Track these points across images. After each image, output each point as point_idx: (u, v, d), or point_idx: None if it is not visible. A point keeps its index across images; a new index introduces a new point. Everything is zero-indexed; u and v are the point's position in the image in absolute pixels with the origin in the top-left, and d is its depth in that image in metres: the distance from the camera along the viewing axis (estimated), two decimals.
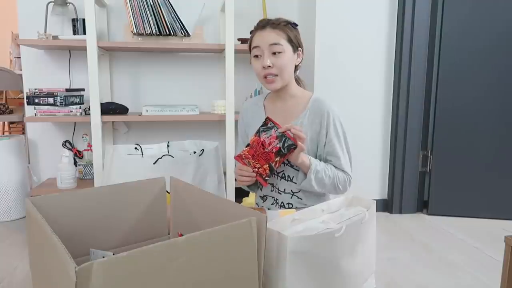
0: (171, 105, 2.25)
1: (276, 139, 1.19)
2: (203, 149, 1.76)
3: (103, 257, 0.68)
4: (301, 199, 1.32)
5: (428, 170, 2.35)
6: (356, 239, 0.93)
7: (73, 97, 2.14)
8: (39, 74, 2.31)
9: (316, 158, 1.31)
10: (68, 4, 2.23)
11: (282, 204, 1.34)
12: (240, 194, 2.19)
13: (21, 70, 2.44)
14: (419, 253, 1.78)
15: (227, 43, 2.10)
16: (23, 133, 3.28)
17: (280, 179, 1.33)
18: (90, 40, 1.98)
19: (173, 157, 1.66)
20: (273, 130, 1.20)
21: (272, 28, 1.24)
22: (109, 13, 2.33)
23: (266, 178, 1.23)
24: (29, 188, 2.30)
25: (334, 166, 1.30)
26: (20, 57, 2.37)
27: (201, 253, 0.66)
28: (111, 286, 0.57)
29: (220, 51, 2.26)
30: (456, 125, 2.24)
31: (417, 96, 2.27)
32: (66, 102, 2.09)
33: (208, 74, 2.49)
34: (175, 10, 2.10)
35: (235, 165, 1.30)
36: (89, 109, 2.05)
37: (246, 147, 1.24)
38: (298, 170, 1.29)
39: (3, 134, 3.52)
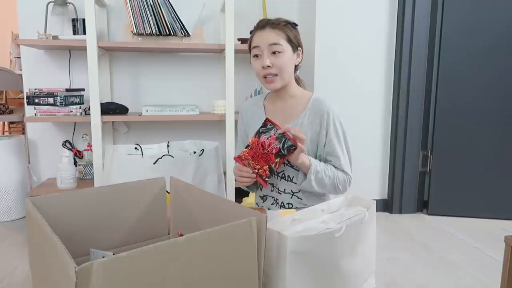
0: (171, 105, 2.25)
1: (275, 140, 1.19)
2: (203, 149, 1.76)
3: (103, 257, 0.68)
4: (301, 199, 1.32)
5: (428, 170, 2.35)
6: (356, 239, 0.93)
7: (73, 97, 2.14)
8: (39, 74, 2.31)
9: (316, 158, 1.31)
10: (68, 4, 2.23)
11: (282, 204, 1.34)
12: (240, 194, 2.19)
13: (21, 70, 2.44)
14: (419, 253, 1.78)
15: (227, 43, 2.10)
16: (23, 133, 3.28)
17: (280, 179, 1.33)
18: (90, 40, 1.98)
19: (173, 157, 1.66)
20: (272, 131, 1.20)
21: (272, 28, 1.24)
22: (109, 13, 2.33)
23: (266, 179, 1.23)
24: (29, 188, 2.30)
25: (334, 166, 1.30)
26: (20, 57, 2.37)
27: (201, 253, 0.66)
28: (111, 286, 0.57)
29: (220, 51, 2.26)
30: (456, 125, 2.24)
31: (417, 96, 2.27)
32: (66, 102, 2.09)
33: (208, 74, 2.49)
34: (175, 10, 2.10)
35: (235, 165, 1.29)
36: (89, 109, 2.05)
37: (246, 148, 1.24)
38: (298, 170, 1.29)
39: (3, 134, 3.52)
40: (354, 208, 1.03)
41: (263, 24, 1.26)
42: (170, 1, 2.09)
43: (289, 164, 1.30)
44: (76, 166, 2.32)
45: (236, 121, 1.97)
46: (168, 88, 2.47)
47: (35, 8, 2.23)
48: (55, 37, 2.12)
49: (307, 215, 0.97)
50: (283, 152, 1.18)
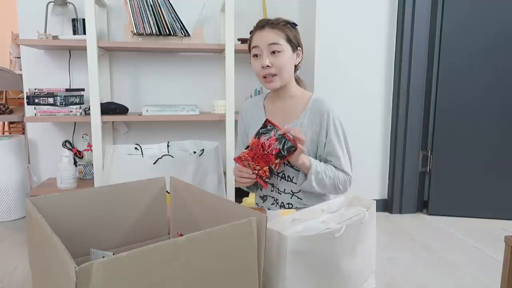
0: (171, 105, 2.25)
1: (275, 141, 1.19)
2: (203, 149, 1.76)
3: (103, 257, 0.68)
4: (301, 199, 1.32)
5: (428, 170, 2.35)
6: (356, 239, 0.93)
7: (73, 97, 2.14)
8: (39, 74, 2.31)
9: (316, 158, 1.31)
10: (68, 4, 2.23)
11: (282, 204, 1.34)
12: (240, 194, 2.19)
13: (21, 70, 2.44)
14: (419, 253, 1.78)
15: (227, 43, 2.10)
16: (23, 133, 3.28)
17: (280, 179, 1.33)
18: (90, 40, 1.98)
19: (173, 157, 1.66)
20: (272, 132, 1.20)
21: (271, 28, 1.24)
22: (109, 13, 2.33)
23: (266, 180, 1.23)
24: (29, 188, 2.30)
25: (334, 166, 1.30)
26: (20, 57, 2.37)
27: (201, 253, 0.66)
28: (111, 286, 0.57)
29: (220, 51, 2.26)
30: (456, 125, 2.24)
31: (417, 96, 2.27)
32: (66, 102, 2.09)
33: (208, 74, 2.49)
34: (175, 10, 2.10)
35: (235, 165, 1.29)
36: (89, 109, 2.05)
37: (246, 149, 1.24)
38: (298, 171, 1.29)
39: (3, 134, 3.52)
40: (354, 208, 1.03)
41: (263, 24, 1.26)
42: (170, 1, 2.09)
43: (289, 165, 1.30)
44: (76, 166, 2.32)
45: (236, 121, 1.97)
46: (168, 88, 2.47)
47: (35, 8, 2.23)
48: (55, 37, 2.12)
49: (307, 215, 0.97)
50: (283, 153, 1.18)
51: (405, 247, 1.85)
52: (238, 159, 1.25)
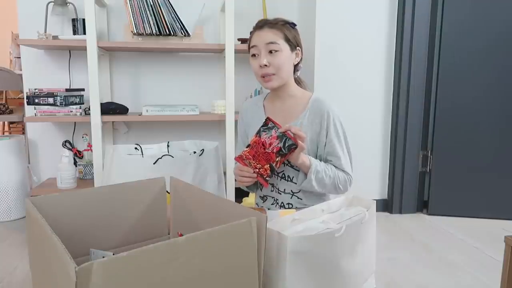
0: (171, 105, 2.25)
1: (276, 139, 1.19)
2: (203, 149, 1.75)
3: (103, 257, 0.68)
4: (301, 199, 1.32)
5: (428, 170, 2.35)
6: (356, 239, 0.93)
7: (73, 97, 2.14)
8: (39, 74, 2.31)
9: (316, 158, 1.31)
10: (68, 4, 2.23)
11: (282, 204, 1.34)
12: (240, 194, 2.19)
13: (21, 70, 2.44)
14: (419, 253, 1.78)
15: (227, 43, 2.10)
16: (23, 133, 3.28)
17: (280, 179, 1.33)
18: (90, 40, 1.98)
19: (173, 157, 1.66)
20: (273, 130, 1.20)
21: (270, 27, 1.25)
22: (109, 13, 2.33)
23: (267, 179, 1.23)
24: (29, 188, 2.30)
25: (335, 166, 1.30)
26: (20, 57, 2.37)
27: (201, 253, 0.66)
28: (111, 286, 0.57)
29: (220, 51, 2.26)
30: (456, 125, 2.24)
31: (417, 96, 2.27)
32: (66, 102, 2.09)
33: (208, 74, 2.49)
34: (175, 10, 2.10)
35: (235, 165, 1.29)
36: (89, 109, 2.05)
37: (247, 147, 1.24)
38: (298, 171, 1.29)
39: (3, 134, 3.52)
40: (354, 208, 1.03)
41: (261, 24, 1.26)
42: (170, 1, 2.09)
43: (289, 164, 1.30)
44: (76, 166, 2.32)
45: (236, 121, 1.97)
46: (168, 88, 2.47)
47: (35, 8, 2.23)
48: (55, 37, 2.12)
49: (307, 215, 0.97)
50: (284, 151, 1.19)
51: (405, 247, 1.85)
52: (239, 158, 1.25)
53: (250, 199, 2.26)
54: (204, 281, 0.67)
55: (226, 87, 2.14)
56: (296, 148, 1.18)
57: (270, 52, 1.23)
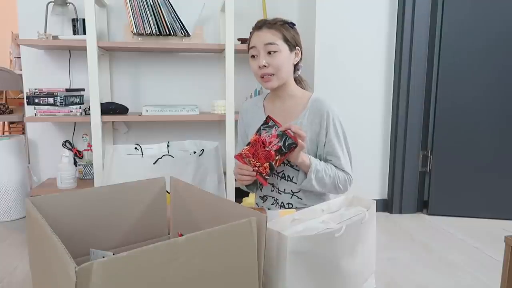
0: (171, 105, 2.25)
1: (276, 137, 1.19)
2: (203, 149, 1.75)
3: (103, 257, 0.68)
4: (301, 199, 1.32)
5: (428, 170, 2.35)
6: (356, 239, 0.93)
7: (73, 97, 2.14)
8: (39, 74, 2.31)
9: (316, 158, 1.31)
10: (68, 4, 2.23)
11: (282, 204, 1.34)
12: (240, 194, 2.19)
13: (21, 70, 2.44)
14: (419, 253, 1.78)
15: (227, 43, 2.10)
16: (23, 133, 3.28)
17: (280, 179, 1.33)
18: (90, 40, 1.98)
19: (173, 157, 1.66)
20: (273, 128, 1.20)
21: (268, 28, 1.25)
22: (109, 13, 2.33)
23: (266, 177, 1.23)
24: (29, 188, 2.30)
25: (334, 166, 1.30)
26: (20, 57, 2.37)
27: (201, 253, 0.66)
28: (111, 286, 0.57)
29: (220, 51, 2.26)
30: (456, 125, 2.24)
31: (417, 96, 2.27)
32: (66, 102, 2.09)
33: (208, 74, 2.49)
34: (175, 10, 2.10)
35: (235, 165, 1.29)
36: (89, 109, 2.05)
37: (247, 145, 1.24)
38: (298, 170, 1.29)
39: (3, 134, 3.52)
40: (354, 208, 1.03)
41: (260, 25, 1.26)
42: (170, 1, 2.09)
43: (289, 164, 1.30)
44: (76, 166, 2.32)
45: (236, 121, 1.97)
46: (168, 88, 2.47)
47: (35, 8, 2.23)
48: (55, 37, 2.12)
49: (307, 215, 0.97)
50: (284, 149, 1.19)
51: (405, 247, 1.85)
52: (238, 156, 1.25)
53: (250, 199, 2.26)
54: (204, 281, 0.67)
55: (226, 87, 2.14)
56: (296, 147, 1.18)
57: (269, 53, 1.24)
